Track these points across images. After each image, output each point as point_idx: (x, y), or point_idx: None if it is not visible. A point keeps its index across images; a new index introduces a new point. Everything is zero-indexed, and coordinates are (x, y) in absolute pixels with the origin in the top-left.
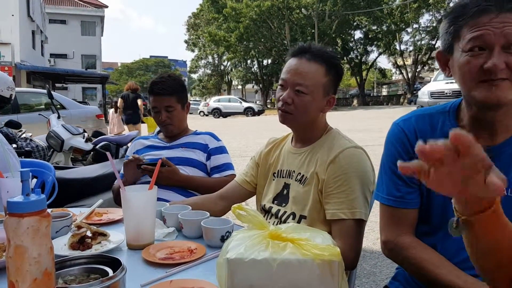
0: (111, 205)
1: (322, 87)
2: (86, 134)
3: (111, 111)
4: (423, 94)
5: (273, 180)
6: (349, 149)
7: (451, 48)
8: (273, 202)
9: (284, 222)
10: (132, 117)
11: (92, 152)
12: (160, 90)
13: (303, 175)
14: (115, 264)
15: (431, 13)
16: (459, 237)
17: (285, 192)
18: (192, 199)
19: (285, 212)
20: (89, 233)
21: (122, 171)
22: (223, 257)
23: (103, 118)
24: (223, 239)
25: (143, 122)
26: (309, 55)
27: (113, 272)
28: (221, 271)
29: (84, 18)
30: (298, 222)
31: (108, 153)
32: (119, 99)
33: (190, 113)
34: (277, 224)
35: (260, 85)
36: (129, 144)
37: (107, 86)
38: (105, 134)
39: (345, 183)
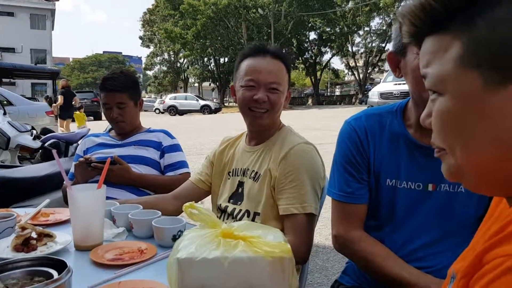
0: (60, 205)
1: (286, 82)
2: (34, 132)
3: None
4: (373, 95)
5: (228, 179)
6: (299, 145)
7: (404, 50)
8: (228, 201)
9: (239, 218)
10: (69, 112)
11: (40, 150)
12: (112, 87)
13: (256, 172)
14: (61, 266)
15: (381, 16)
16: (405, 231)
17: (240, 190)
18: (145, 198)
19: (240, 210)
20: (34, 234)
21: (72, 171)
22: (173, 257)
23: (54, 115)
24: (175, 238)
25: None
26: (271, 55)
27: (58, 275)
28: (171, 271)
29: (33, 11)
30: (253, 219)
31: (54, 151)
32: (60, 96)
33: (145, 111)
34: (233, 221)
35: (217, 83)
36: (79, 142)
37: (58, 82)
38: (54, 132)
39: (296, 178)
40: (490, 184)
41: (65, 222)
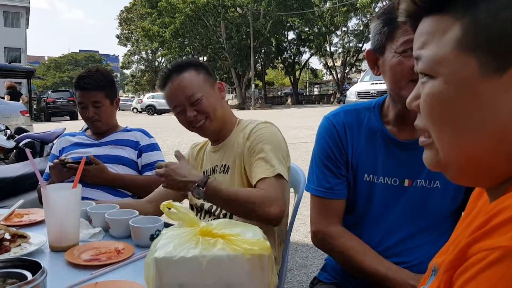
0: (35, 205)
1: (203, 82)
2: (8, 131)
3: None
4: (351, 94)
5: None
6: (258, 125)
7: (382, 48)
8: (204, 200)
9: (217, 215)
10: None
11: (14, 150)
12: (87, 85)
13: (225, 165)
14: (35, 268)
15: (358, 17)
16: (382, 226)
17: None
18: (119, 202)
19: (214, 209)
20: (7, 236)
21: (48, 171)
22: (151, 256)
23: (29, 115)
24: (153, 238)
25: None
26: (174, 73)
27: (32, 276)
28: (148, 271)
29: (7, 9)
30: None
31: (27, 150)
32: (6, 96)
33: (123, 110)
34: (212, 219)
35: None
36: (55, 141)
37: (33, 81)
38: (29, 131)
39: (260, 150)
40: (473, 175)
41: (40, 222)
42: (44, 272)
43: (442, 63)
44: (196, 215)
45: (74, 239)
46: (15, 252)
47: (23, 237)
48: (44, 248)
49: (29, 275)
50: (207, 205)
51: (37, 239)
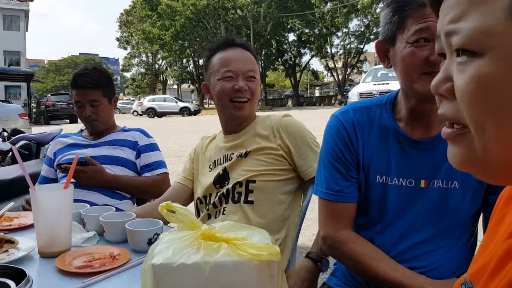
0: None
1: (258, 71)
2: (5, 134)
3: None
4: (353, 95)
5: (209, 171)
6: (286, 118)
7: (393, 38)
8: (214, 186)
9: (230, 196)
10: None
11: (11, 153)
12: (84, 83)
13: (245, 151)
14: (20, 276)
15: (359, 18)
16: (397, 229)
17: (223, 172)
18: (138, 208)
19: (228, 189)
20: None
21: (43, 174)
22: (148, 262)
23: (27, 118)
24: (151, 242)
25: None
26: (240, 46)
27: (16, 285)
28: (146, 279)
29: (6, 12)
30: (247, 187)
31: (14, 147)
32: None
33: (123, 113)
34: (222, 201)
35: (196, 85)
36: (51, 143)
37: (32, 85)
38: (24, 133)
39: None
40: None
41: (31, 226)
42: (29, 281)
43: (493, 36)
44: (205, 205)
45: (65, 244)
46: (1, 258)
47: (11, 242)
48: (33, 254)
49: (12, 284)
50: (218, 190)
51: (26, 244)
